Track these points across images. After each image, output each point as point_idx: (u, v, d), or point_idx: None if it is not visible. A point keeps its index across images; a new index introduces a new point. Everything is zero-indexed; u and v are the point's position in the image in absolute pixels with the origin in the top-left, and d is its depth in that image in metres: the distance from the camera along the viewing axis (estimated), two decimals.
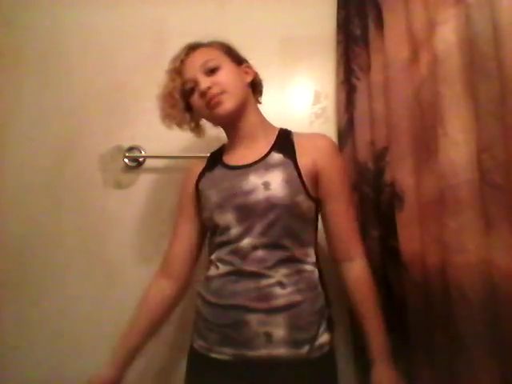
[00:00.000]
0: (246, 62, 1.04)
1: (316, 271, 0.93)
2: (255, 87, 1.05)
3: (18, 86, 1.43)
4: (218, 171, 1.01)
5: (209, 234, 1.02)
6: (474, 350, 0.72)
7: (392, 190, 1.03)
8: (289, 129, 1.03)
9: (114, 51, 1.42)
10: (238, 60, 1.02)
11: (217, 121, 1.03)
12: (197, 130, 1.10)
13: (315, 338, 0.87)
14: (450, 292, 0.77)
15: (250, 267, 0.88)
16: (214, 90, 0.93)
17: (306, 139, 0.98)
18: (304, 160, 0.93)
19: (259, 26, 1.41)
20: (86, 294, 1.32)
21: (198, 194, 1.02)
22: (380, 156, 1.11)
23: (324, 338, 0.89)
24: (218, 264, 0.94)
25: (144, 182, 1.38)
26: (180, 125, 1.04)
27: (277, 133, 1.01)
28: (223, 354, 0.88)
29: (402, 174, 0.98)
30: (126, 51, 1.41)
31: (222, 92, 0.93)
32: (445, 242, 0.79)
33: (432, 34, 0.86)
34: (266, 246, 0.89)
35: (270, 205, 0.89)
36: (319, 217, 0.99)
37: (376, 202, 1.14)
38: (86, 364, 1.30)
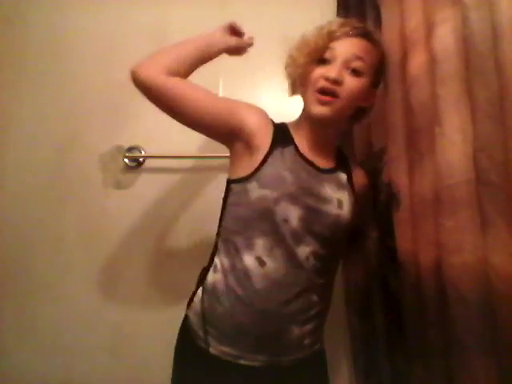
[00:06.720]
0: (377, 88, 0.99)
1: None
2: (360, 113, 0.99)
3: (18, 85, 1.44)
4: (291, 155, 0.91)
5: (248, 212, 0.87)
6: (470, 350, 0.72)
7: (389, 189, 1.04)
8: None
9: (114, 51, 1.43)
10: (375, 82, 0.97)
11: (310, 115, 0.91)
12: (293, 88, 1.00)
13: (322, 334, 0.97)
14: (446, 292, 0.76)
15: (306, 278, 0.87)
16: (336, 88, 0.86)
17: (357, 171, 1.03)
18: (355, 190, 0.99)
19: (259, 26, 1.40)
20: (87, 293, 1.33)
21: (261, 156, 0.88)
22: (378, 156, 1.11)
23: (323, 331, 0.99)
24: (266, 260, 0.84)
25: (144, 181, 1.38)
26: (292, 77, 0.96)
27: (336, 148, 1.01)
28: (255, 360, 0.85)
29: (398, 173, 0.98)
30: (126, 51, 1.41)
31: (338, 96, 0.86)
32: (441, 241, 0.78)
33: (429, 34, 0.86)
34: (321, 260, 0.89)
35: (337, 224, 0.90)
36: None
37: (375, 202, 1.14)
38: (86, 364, 1.31)
